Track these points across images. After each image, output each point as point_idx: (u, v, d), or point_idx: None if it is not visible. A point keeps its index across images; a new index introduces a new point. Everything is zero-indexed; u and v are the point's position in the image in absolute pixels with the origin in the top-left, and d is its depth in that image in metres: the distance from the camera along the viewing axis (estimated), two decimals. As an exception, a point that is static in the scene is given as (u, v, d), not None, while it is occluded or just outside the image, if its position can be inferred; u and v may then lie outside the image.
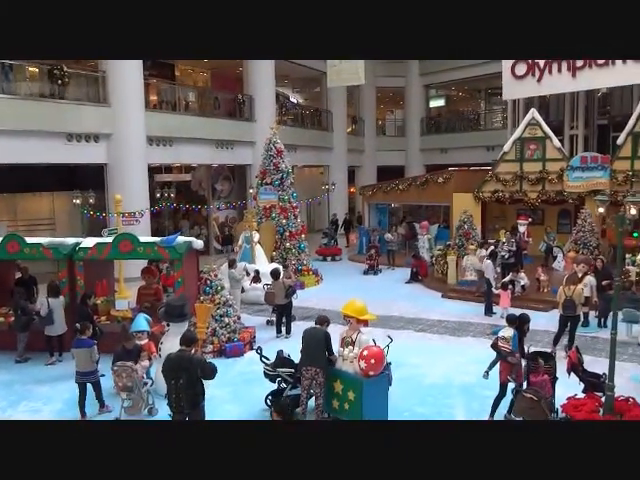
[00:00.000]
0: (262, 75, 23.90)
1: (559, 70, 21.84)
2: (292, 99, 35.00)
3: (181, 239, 11.46)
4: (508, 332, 8.09)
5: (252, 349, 11.62)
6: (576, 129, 23.77)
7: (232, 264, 13.63)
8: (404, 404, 8.85)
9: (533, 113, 19.62)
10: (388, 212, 23.96)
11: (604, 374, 8.27)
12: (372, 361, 7.78)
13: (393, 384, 9.39)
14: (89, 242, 11.34)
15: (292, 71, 28.79)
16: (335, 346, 8.41)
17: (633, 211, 7.30)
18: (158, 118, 19.94)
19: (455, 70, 30.81)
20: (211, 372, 6.80)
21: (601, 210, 8.10)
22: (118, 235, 11.64)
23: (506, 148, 19.96)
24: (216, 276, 11.53)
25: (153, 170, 22.24)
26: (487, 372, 8.31)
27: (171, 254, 11.15)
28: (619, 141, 18.49)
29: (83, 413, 8.47)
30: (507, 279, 14.82)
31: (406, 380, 9.74)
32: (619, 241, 7.22)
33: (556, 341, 10.96)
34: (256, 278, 14.88)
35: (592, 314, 12.85)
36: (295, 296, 12.77)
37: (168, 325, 9.41)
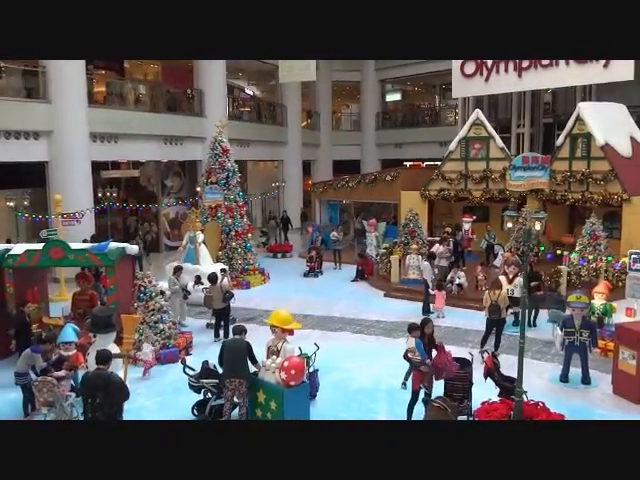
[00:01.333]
0: (213, 69, 23.72)
1: (506, 70, 22.32)
2: (248, 91, 34.88)
3: (114, 245, 11.40)
4: (411, 343, 8.32)
5: (188, 354, 11.75)
6: (523, 127, 24.31)
7: (176, 271, 13.58)
8: (329, 410, 9.00)
9: (478, 113, 19.98)
10: (339, 208, 24.14)
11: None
12: (292, 372, 7.92)
13: (322, 390, 9.63)
14: (19, 248, 11.18)
15: (247, 64, 28.64)
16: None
17: (537, 226, 7.56)
18: (102, 114, 19.67)
19: (410, 66, 31.06)
20: (123, 396, 6.82)
21: (509, 225, 8.27)
22: (49, 242, 11.50)
23: (452, 147, 20.32)
24: (150, 282, 11.52)
25: (99, 166, 22.00)
26: (404, 383, 8.55)
27: (103, 261, 11.08)
28: (558, 142, 18.99)
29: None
30: (449, 277, 15.19)
31: (335, 385, 9.92)
32: (525, 259, 7.49)
33: (483, 343, 11.29)
34: (198, 280, 14.86)
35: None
36: (233, 300, 12.84)
37: (95, 336, 9.40)
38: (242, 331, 8.64)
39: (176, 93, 23.79)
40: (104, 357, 6.98)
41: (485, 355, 8.78)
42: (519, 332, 12.37)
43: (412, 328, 8.56)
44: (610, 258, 15.36)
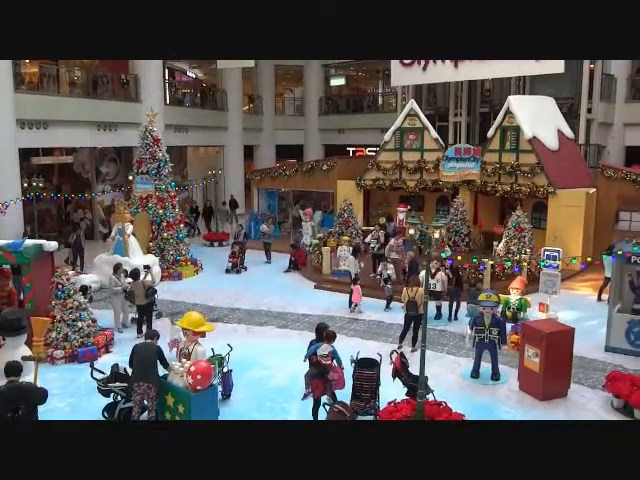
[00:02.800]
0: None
1: (443, 60, 22.50)
2: (190, 74, 34.28)
3: (30, 242, 11.13)
4: (325, 350, 8.40)
5: (108, 352, 11.63)
6: (460, 116, 24.66)
7: (117, 269, 13.08)
8: (243, 410, 9.08)
9: (412, 104, 20.16)
10: (277, 196, 24.09)
11: (426, 377, 8.82)
12: (198, 377, 7.93)
13: (238, 389, 9.68)
14: None
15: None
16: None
17: (437, 235, 7.74)
18: (30, 99, 18.97)
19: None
20: (43, 398, 6.71)
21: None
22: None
23: (386, 137, 20.48)
24: (68, 280, 11.31)
25: (31, 153, 21.33)
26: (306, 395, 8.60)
27: (18, 259, 10.81)
28: (489, 134, 19.35)
29: None
30: (378, 269, 15.33)
31: (252, 384, 9.99)
32: (427, 260, 7.65)
33: (402, 338, 11.53)
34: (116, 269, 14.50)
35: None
36: (156, 296, 12.74)
37: (4, 339, 9.20)
38: (154, 336, 8.61)
39: (111, 78, 23.09)
40: (16, 369, 6.80)
41: (394, 356, 8.96)
42: (438, 325, 12.95)
43: (331, 336, 8.62)
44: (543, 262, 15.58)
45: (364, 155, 30.19)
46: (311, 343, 8.82)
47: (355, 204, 20.20)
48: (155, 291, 12.64)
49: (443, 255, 13.56)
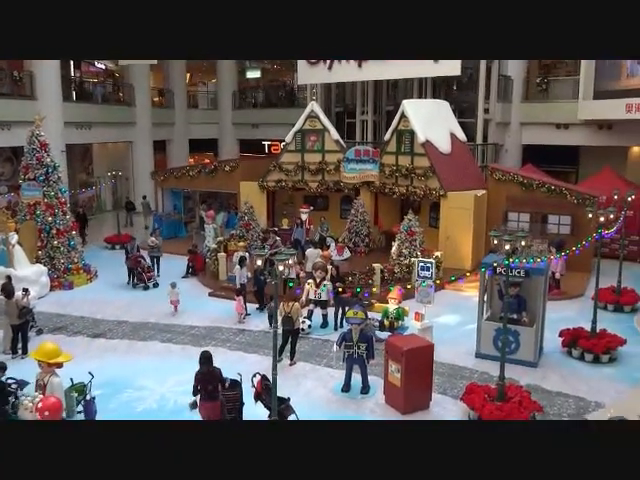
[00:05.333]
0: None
1: (347, 60, 22.66)
2: (100, 65, 33.13)
3: None
4: None
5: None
6: (367, 114, 24.94)
7: (9, 295, 12.08)
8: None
9: (312, 106, 20.25)
10: (183, 196, 23.73)
11: (288, 398, 8.96)
12: (46, 413, 7.75)
13: (104, 415, 9.51)
14: None
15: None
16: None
17: (259, 262, 7.85)
18: None
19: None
20: None
21: (259, 262, 8.38)
22: None
23: (288, 139, 20.50)
24: None
25: None
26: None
27: None
28: (386, 137, 19.68)
29: None
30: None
31: (119, 409, 9.83)
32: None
33: (280, 352, 11.61)
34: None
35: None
36: (29, 316, 12.33)
37: None
38: (2, 368, 8.37)
39: (5, 74, 22.05)
40: None
41: (255, 379, 9.04)
42: (324, 334, 13.15)
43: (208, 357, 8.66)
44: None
45: (279, 151, 30.09)
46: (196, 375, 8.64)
47: (259, 205, 20.23)
48: (29, 311, 12.25)
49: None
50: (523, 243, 9.31)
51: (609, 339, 11.79)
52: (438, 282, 12.47)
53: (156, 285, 16.95)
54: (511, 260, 8.92)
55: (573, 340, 11.84)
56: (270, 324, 13.47)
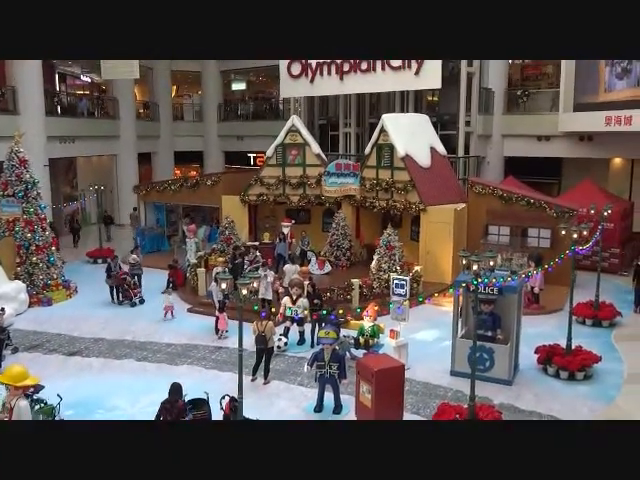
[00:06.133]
0: (26, 63, 22.12)
1: (329, 73, 22.86)
2: (85, 78, 33.10)
3: None
4: None
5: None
6: (349, 127, 25.00)
7: None
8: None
9: (293, 120, 20.31)
10: (166, 210, 23.68)
11: (257, 419, 8.93)
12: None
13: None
14: None
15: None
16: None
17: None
18: None
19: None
20: None
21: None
22: None
23: (269, 153, 20.51)
24: None
25: None
26: None
27: None
28: (366, 151, 19.73)
29: None
30: None
31: (90, 430, 9.79)
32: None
33: (254, 371, 11.61)
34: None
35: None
36: (5, 334, 12.27)
37: None
38: None
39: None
40: None
41: (224, 401, 9.00)
42: (299, 351, 13.11)
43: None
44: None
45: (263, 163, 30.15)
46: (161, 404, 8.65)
47: (240, 219, 20.21)
48: (3, 329, 12.19)
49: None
50: (492, 263, 9.32)
51: (584, 356, 11.81)
52: (409, 300, 12.41)
53: (142, 301, 16.88)
54: (479, 280, 8.93)
55: (548, 357, 11.86)
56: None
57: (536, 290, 15.48)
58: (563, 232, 11.81)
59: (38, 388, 9.31)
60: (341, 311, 13.06)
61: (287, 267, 15.93)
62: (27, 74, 22.25)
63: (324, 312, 12.87)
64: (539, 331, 13.90)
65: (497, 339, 11.37)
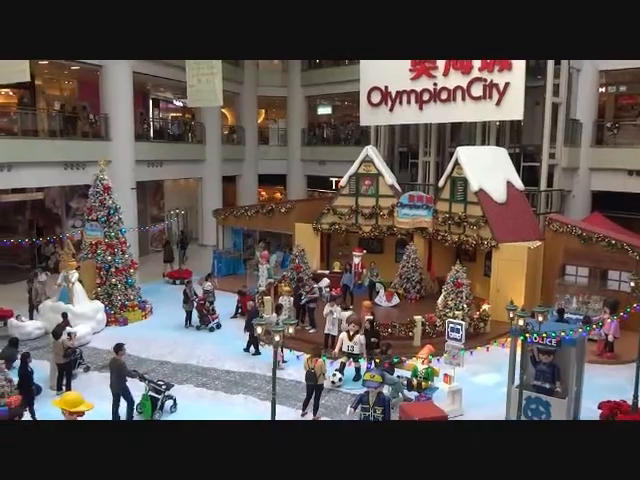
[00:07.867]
0: (118, 91, 23.52)
1: (408, 102, 22.71)
2: (177, 103, 34.82)
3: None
4: None
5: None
6: (429, 156, 24.75)
7: (57, 336, 12.90)
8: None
9: (367, 150, 20.42)
10: (243, 234, 24.36)
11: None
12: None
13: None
14: None
15: (159, 82, 28.65)
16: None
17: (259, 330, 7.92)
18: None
19: (336, 84, 31.16)
20: None
21: (259, 330, 8.45)
22: None
23: (342, 183, 20.69)
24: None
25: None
26: None
27: None
28: (440, 183, 19.47)
29: None
30: (325, 311, 15.00)
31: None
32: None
33: (305, 406, 11.71)
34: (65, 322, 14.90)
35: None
36: (73, 356, 13.03)
37: None
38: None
39: (79, 116, 23.56)
40: None
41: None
42: (354, 388, 13.06)
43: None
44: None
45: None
46: None
47: (312, 247, 20.47)
48: (74, 351, 12.97)
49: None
50: (540, 318, 8.93)
51: (651, 415, 11.04)
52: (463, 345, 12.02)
53: (219, 326, 17.45)
54: (527, 335, 8.59)
55: (612, 414, 11.16)
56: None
57: (610, 338, 14.61)
58: (632, 284, 11.11)
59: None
60: (396, 359, 12.81)
61: (343, 314, 15.11)
62: (119, 102, 23.62)
63: (395, 359, 12.70)
64: (610, 383, 13.10)
65: (555, 392, 10.84)
